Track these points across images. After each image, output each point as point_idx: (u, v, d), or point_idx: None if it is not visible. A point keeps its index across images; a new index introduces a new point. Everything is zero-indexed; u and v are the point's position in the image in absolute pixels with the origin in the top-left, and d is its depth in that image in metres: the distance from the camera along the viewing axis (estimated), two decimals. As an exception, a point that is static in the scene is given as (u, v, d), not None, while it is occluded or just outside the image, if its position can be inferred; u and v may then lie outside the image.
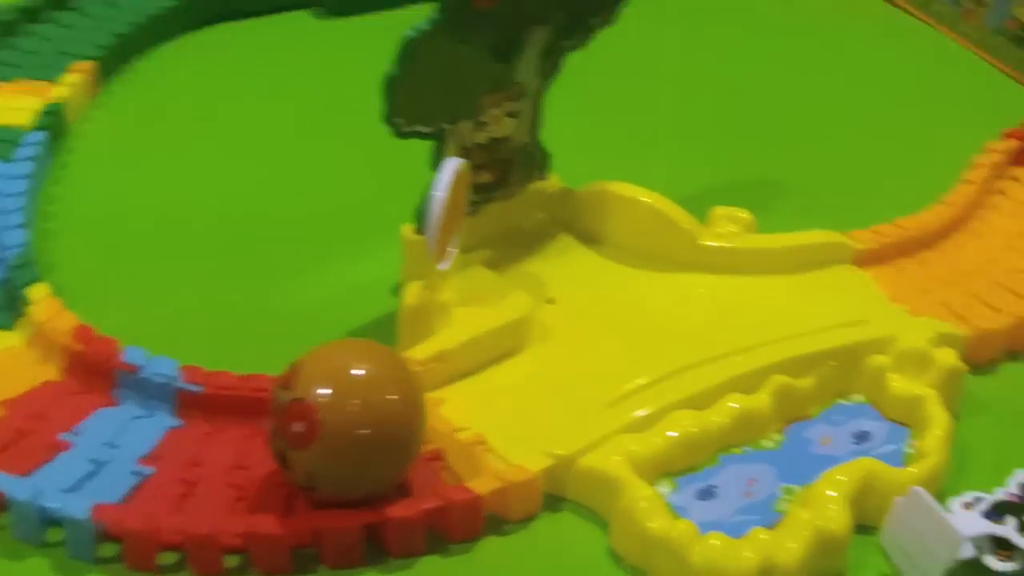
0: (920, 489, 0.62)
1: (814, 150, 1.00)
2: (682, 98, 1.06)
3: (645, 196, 0.81)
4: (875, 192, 0.94)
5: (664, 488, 0.66)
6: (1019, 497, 0.65)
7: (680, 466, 0.68)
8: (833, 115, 1.06)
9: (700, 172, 0.95)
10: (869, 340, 0.73)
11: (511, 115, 0.79)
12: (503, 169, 0.81)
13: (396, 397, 0.63)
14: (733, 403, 0.69)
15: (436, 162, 0.74)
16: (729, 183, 0.93)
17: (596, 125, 1.00)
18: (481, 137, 0.78)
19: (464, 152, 0.77)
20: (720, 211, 0.83)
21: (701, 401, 0.70)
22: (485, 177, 0.80)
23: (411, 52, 0.71)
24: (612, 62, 0.94)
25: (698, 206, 0.83)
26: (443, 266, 0.74)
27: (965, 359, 0.76)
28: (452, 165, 0.72)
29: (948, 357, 0.72)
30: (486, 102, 0.77)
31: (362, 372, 0.62)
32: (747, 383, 0.71)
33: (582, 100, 1.00)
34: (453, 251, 0.75)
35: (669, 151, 0.98)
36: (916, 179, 0.95)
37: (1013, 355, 0.79)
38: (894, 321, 0.76)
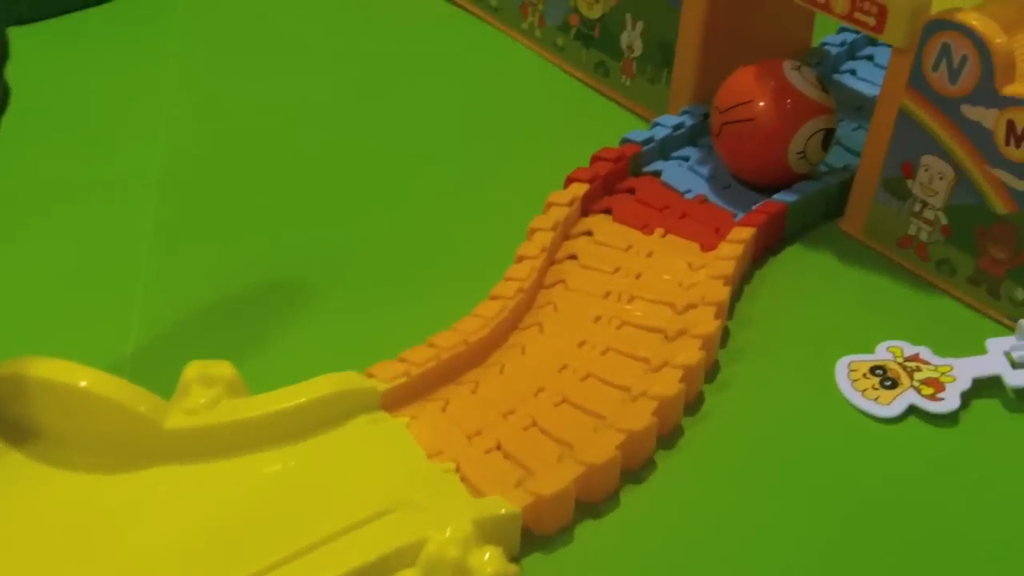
0: None
1: (336, 228, 0.79)
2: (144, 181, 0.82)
3: (79, 375, 0.59)
4: (418, 280, 0.75)
5: None
6: None
7: None
8: (360, 165, 0.85)
9: (172, 307, 0.72)
10: (387, 553, 0.55)
11: None
12: None
13: None
14: None
15: None
16: (213, 315, 0.72)
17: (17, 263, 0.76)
18: None
19: None
20: (192, 370, 0.62)
21: None
22: None
23: None
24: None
25: (172, 362, 0.63)
26: None
27: (526, 530, 0.59)
28: None
29: (493, 562, 0.55)
30: None
31: None
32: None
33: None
34: None
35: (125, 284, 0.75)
36: (474, 251, 0.77)
37: (590, 510, 0.62)
38: (426, 506, 0.57)
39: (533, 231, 0.75)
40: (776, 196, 0.79)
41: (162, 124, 0.87)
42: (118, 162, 0.83)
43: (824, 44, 0.94)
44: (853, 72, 0.93)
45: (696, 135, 0.85)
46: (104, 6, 0.98)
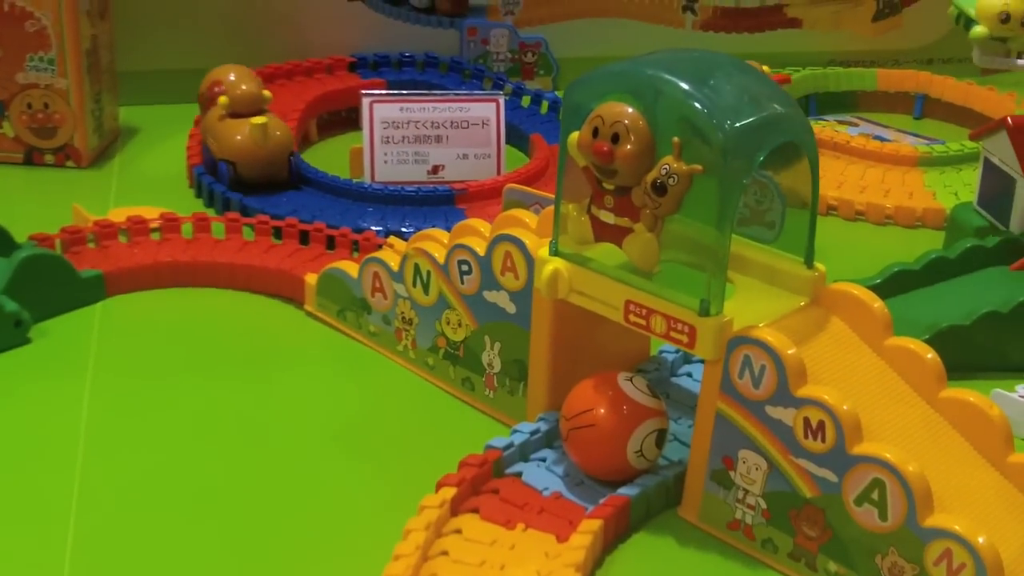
0: None
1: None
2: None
3: None
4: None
5: None
6: None
7: None
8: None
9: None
10: None
11: None
12: None
13: None
14: None
15: None
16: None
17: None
18: None
19: None
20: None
21: None
22: None
23: None
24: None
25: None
26: None
27: None
28: None
29: None
30: None
31: None
32: None
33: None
34: None
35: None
36: (355, 549, 0.87)
37: None
38: None
39: (408, 531, 0.85)
40: (620, 490, 0.91)
41: (79, 451, 0.97)
42: (35, 491, 0.93)
43: (661, 352, 1.07)
44: (689, 375, 1.07)
45: (551, 438, 0.97)
46: (22, 348, 1.10)
